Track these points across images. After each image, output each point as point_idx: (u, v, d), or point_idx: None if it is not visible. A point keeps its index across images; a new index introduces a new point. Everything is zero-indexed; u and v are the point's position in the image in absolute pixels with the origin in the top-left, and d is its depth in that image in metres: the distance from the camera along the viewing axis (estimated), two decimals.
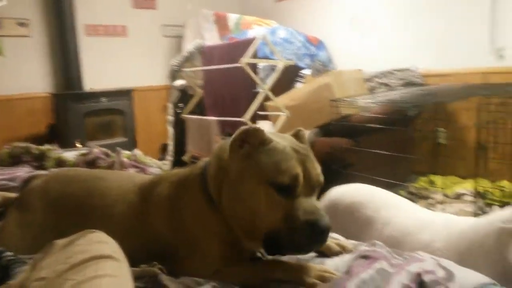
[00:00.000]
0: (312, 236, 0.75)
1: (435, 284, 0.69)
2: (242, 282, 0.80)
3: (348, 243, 0.94)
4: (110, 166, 1.60)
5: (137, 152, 1.87)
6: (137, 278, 0.75)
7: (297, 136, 0.89)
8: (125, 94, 3.74)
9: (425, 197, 2.50)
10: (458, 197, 2.47)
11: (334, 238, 0.96)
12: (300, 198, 0.78)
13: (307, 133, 3.04)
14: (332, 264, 0.84)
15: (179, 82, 3.55)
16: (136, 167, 1.56)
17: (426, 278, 0.69)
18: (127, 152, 1.82)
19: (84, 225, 0.73)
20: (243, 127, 0.82)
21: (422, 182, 2.77)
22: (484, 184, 2.52)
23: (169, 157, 3.51)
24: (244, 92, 2.97)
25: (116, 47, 3.92)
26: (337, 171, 2.53)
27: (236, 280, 0.80)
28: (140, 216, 0.91)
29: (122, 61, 3.94)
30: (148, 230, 0.90)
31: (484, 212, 2.21)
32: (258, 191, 0.78)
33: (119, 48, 3.94)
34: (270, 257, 0.88)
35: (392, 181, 2.19)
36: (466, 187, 2.57)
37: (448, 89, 2.68)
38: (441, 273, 0.72)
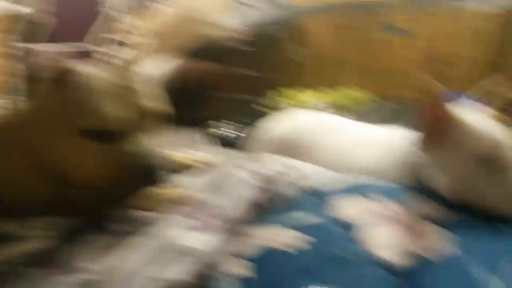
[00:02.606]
0: (143, 180, 0.65)
1: (283, 182, 0.73)
2: None
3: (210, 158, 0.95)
4: None
5: None
6: None
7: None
8: None
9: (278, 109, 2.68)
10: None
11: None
12: (129, 139, 0.65)
13: (172, 62, 2.93)
14: (186, 181, 0.84)
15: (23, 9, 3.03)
16: None
17: (275, 176, 0.73)
18: None
19: None
20: (37, 59, 0.66)
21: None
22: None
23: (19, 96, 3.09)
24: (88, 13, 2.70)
25: None
26: (209, 95, 2.52)
27: None
28: None
29: None
30: None
31: None
32: (63, 139, 0.64)
33: None
34: None
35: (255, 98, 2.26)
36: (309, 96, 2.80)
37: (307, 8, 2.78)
38: (287, 170, 0.77)
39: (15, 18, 3.14)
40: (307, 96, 2.87)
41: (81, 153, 0.64)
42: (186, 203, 0.71)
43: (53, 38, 2.92)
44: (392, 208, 0.66)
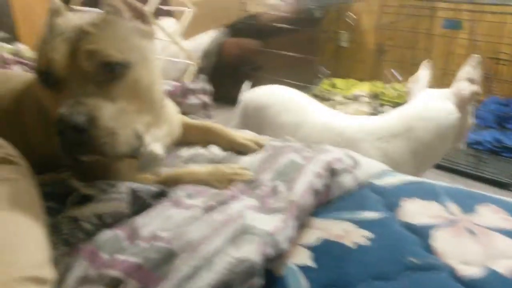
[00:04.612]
0: (62, 135, 0.57)
1: (343, 171, 0.74)
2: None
3: (263, 138, 0.96)
4: None
5: (21, 46, 1.62)
6: (44, 184, 0.68)
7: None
8: None
9: (327, 99, 2.64)
10: (356, 98, 2.65)
11: (249, 134, 0.97)
12: (70, 91, 0.58)
13: (215, 33, 2.91)
14: (247, 161, 0.85)
15: None
16: (21, 63, 1.36)
17: (336, 165, 0.74)
18: (8, 46, 1.57)
19: None
20: None
21: (325, 84, 2.90)
22: (379, 86, 2.73)
23: None
24: None
25: None
26: (246, 73, 2.51)
27: None
28: (17, 131, 0.77)
29: None
30: (29, 145, 0.74)
31: (378, 112, 2.42)
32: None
33: None
34: None
35: (298, 83, 2.24)
36: (363, 89, 2.76)
37: None
38: (348, 161, 0.78)
39: None
40: (351, 85, 2.82)
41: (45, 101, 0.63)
42: (252, 184, 0.73)
43: None
44: (463, 215, 0.65)
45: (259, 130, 1.23)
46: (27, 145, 0.73)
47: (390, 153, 1.13)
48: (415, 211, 0.67)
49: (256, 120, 1.32)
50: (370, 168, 0.81)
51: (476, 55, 1.17)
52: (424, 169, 1.19)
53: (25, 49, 1.62)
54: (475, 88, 1.13)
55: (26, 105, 0.79)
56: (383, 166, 0.84)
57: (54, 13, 0.65)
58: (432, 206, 0.68)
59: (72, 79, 0.59)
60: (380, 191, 0.74)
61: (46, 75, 0.60)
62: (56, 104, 0.58)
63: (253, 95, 1.39)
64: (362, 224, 0.65)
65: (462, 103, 1.14)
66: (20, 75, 0.92)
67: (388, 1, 2.61)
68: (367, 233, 0.62)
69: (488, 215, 0.66)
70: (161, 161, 0.83)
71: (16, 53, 1.52)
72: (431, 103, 1.16)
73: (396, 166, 0.91)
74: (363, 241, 0.60)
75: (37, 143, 0.78)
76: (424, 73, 1.28)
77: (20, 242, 0.48)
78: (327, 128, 1.21)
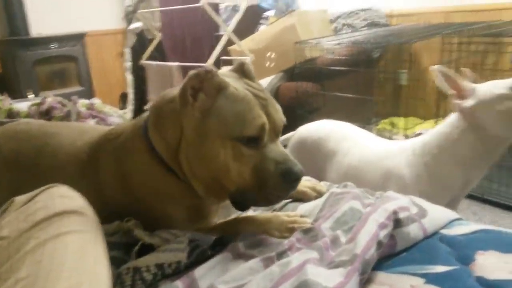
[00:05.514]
0: (286, 185, 0.70)
1: (409, 220, 0.70)
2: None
3: (322, 185, 0.94)
4: (66, 117, 1.50)
5: (96, 101, 1.76)
6: (109, 234, 0.71)
7: (243, 71, 0.80)
8: (77, 38, 3.49)
9: (387, 138, 2.56)
10: (418, 137, 2.54)
11: (308, 181, 0.96)
12: (267, 146, 0.72)
13: (270, 79, 2.99)
14: (307, 209, 0.84)
15: (136, 25, 3.33)
16: (95, 116, 1.47)
17: (401, 215, 0.70)
18: (84, 101, 1.71)
19: (37, 187, 0.65)
20: (192, 72, 0.70)
21: (384, 124, 2.83)
22: None
23: (130, 106, 3.37)
24: (205, 35, 2.84)
25: None
26: (303, 115, 2.52)
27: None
28: (92, 183, 0.82)
29: (71, 3, 3.62)
30: (103, 197, 0.80)
31: None
32: (223, 150, 0.70)
33: None
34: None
35: (356, 123, 2.21)
36: (426, 127, 2.64)
37: (411, 29, 2.67)
38: (414, 210, 0.73)
39: (126, 33, 3.45)
40: (413, 124, 2.72)
41: (232, 155, 0.71)
42: (312, 233, 0.71)
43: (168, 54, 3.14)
44: None
45: (315, 161, 1.35)
46: (98, 194, 0.78)
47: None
48: (492, 265, 0.61)
49: (313, 152, 1.38)
50: (439, 216, 0.75)
51: None
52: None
53: (99, 103, 1.76)
54: None
55: (102, 157, 0.83)
56: (452, 214, 0.78)
57: (225, 86, 0.72)
58: (510, 259, 0.62)
59: (269, 137, 0.72)
60: (452, 242, 0.68)
61: (256, 137, 0.71)
62: (248, 158, 0.70)
63: (308, 129, 1.44)
64: (432, 278, 0.60)
65: None
66: (96, 128, 0.99)
67: (451, 39, 2.54)
68: None
69: None
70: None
71: (90, 107, 1.66)
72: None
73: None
74: None
75: (108, 193, 0.81)
76: None
77: None
78: (372, 150, 1.25)
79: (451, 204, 1.12)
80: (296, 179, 0.70)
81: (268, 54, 2.90)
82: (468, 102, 1.07)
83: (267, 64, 2.82)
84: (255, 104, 0.71)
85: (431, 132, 1.15)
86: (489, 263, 0.62)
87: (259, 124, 0.70)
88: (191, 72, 0.71)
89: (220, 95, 0.71)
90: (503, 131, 1.04)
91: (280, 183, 0.69)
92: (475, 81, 1.13)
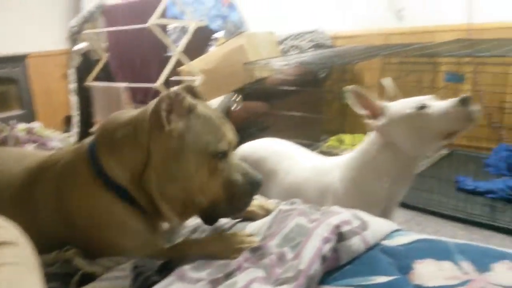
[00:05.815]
0: (253, 192, 0.78)
1: (352, 234, 0.72)
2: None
3: (270, 203, 0.95)
4: (3, 142, 1.42)
5: (35, 124, 1.68)
6: (48, 265, 0.67)
7: (192, 93, 0.82)
8: (17, 60, 3.34)
9: (336, 155, 2.64)
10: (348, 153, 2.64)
11: (255, 199, 0.96)
12: (231, 160, 0.78)
13: (222, 99, 3.00)
14: (255, 227, 0.84)
15: (81, 46, 3.24)
16: (35, 141, 1.40)
17: (344, 228, 0.72)
18: (23, 125, 1.63)
19: None
20: (162, 95, 0.71)
21: (332, 141, 2.92)
22: None
23: (75, 128, 3.25)
24: (154, 56, 2.82)
25: (3, 6, 3.44)
26: (253, 134, 2.55)
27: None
28: (28, 211, 0.78)
29: (11, 22, 3.47)
30: (40, 226, 0.76)
31: None
32: (199, 166, 0.74)
33: (6, 7, 3.46)
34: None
35: (305, 141, 2.26)
36: None
37: (354, 50, 2.80)
38: (356, 223, 0.76)
39: (70, 54, 3.34)
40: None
41: (209, 171, 0.75)
42: (259, 251, 0.71)
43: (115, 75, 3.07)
44: (478, 275, 0.62)
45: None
46: (35, 223, 0.74)
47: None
48: (429, 273, 0.64)
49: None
50: (380, 228, 0.78)
51: None
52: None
53: (39, 127, 1.68)
54: None
55: (40, 184, 0.80)
56: (393, 226, 0.81)
57: (189, 106, 0.75)
58: (445, 266, 0.65)
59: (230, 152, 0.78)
60: (392, 253, 0.71)
61: (225, 152, 0.76)
62: (221, 172, 0.76)
63: (250, 147, 1.44)
64: None
65: None
66: (35, 154, 0.95)
67: (390, 59, 2.69)
68: None
69: (504, 273, 0.62)
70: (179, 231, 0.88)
71: (29, 131, 1.58)
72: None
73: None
74: None
75: (46, 223, 0.77)
76: None
77: None
78: (311, 168, 1.28)
79: (384, 216, 1.16)
80: (260, 185, 0.78)
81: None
82: (381, 121, 1.13)
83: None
84: (221, 120, 0.78)
85: (357, 148, 1.20)
86: (426, 271, 0.65)
87: (229, 138, 0.77)
88: (161, 96, 0.72)
89: (192, 115, 0.75)
90: (413, 149, 1.09)
91: (248, 191, 0.77)
92: (395, 96, 1.19)
